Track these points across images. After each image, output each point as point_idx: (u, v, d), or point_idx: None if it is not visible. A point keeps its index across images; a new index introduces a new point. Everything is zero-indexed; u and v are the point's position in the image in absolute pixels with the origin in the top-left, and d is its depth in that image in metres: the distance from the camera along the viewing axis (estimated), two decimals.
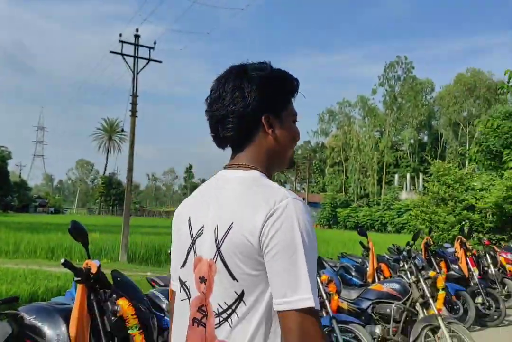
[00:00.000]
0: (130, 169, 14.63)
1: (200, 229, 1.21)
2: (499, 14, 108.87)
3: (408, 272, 5.73)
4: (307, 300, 1.04)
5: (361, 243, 6.61)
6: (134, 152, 14.58)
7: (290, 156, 1.31)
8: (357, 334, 4.53)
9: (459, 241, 8.13)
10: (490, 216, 14.02)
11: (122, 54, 14.78)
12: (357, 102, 52.91)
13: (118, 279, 2.87)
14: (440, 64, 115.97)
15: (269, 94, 1.22)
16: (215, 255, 1.15)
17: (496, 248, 9.68)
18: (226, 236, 1.13)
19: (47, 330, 2.63)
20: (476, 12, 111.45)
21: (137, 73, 14.72)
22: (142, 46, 15.05)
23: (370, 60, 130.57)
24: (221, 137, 1.25)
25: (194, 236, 1.22)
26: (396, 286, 5.18)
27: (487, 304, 7.33)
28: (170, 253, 1.37)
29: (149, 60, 15.00)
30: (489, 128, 16.65)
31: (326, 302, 4.54)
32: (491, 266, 8.69)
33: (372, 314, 5.11)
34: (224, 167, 1.28)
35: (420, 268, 5.27)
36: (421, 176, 50.35)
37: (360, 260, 7.08)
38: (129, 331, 2.65)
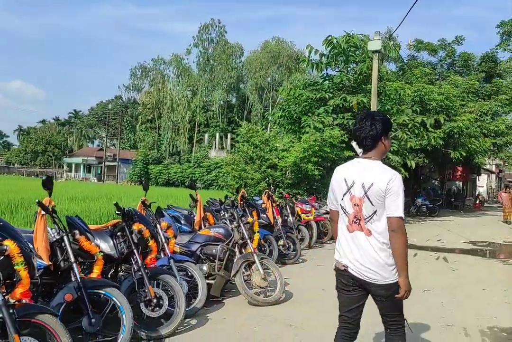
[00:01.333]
0: None
1: (352, 183, 2.90)
2: None
3: (228, 220, 6.78)
4: (401, 213, 2.75)
5: (190, 195, 7.46)
6: None
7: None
8: (189, 270, 5.38)
9: (266, 194, 9.51)
10: (290, 173, 16.03)
11: None
12: (172, 60, 52.83)
13: (1, 223, 3.19)
14: (250, 29, 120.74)
15: (384, 127, 2.92)
16: (363, 195, 2.83)
17: (294, 200, 11.42)
18: (370, 187, 2.81)
19: None
20: None
21: None
22: None
23: (183, 18, 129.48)
24: (364, 145, 2.94)
25: (349, 186, 2.91)
26: (221, 230, 6.14)
27: (287, 245, 8.88)
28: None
29: None
30: (291, 96, 18.66)
31: (165, 245, 5.28)
32: (290, 215, 10.33)
33: (200, 254, 6.01)
34: (359, 157, 3.01)
35: (240, 215, 6.29)
36: (229, 135, 53.18)
37: (185, 211, 7.92)
38: (15, 267, 3.05)
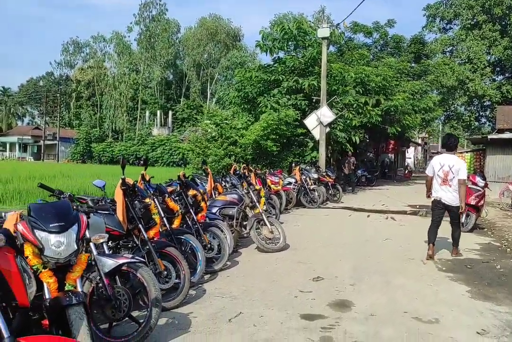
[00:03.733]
0: None
1: (443, 164, 7.10)
2: None
3: (232, 188, 8.37)
4: (465, 177, 7.07)
5: (203, 169, 8.95)
6: None
7: None
8: (219, 226, 6.98)
9: (246, 169, 11.14)
10: (250, 149, 17.68)
11: None
12: (112, 38, 52.25)
13: (136, 188, 4.65)
14: (186, 5, 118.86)
15: (457, 139, 7.40)
16: (449, 170, 7.05)
17: (265, 173, 13.12)
18: (453, 166, 7.03)
19: (106, 219, 4.35)
20: None
21: None
22: None
23: None
24: (450, 148, 7.25)
25: (441, 165, 7.13)
26: (235, 196, 7.76)
27: (269, 210, 10.61)
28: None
29: None
30: (246, 78, 20.18)
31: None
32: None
33: (219, 215, 7.60)
34: (446, 153, 7.34)
35: (249, 184, 7.90)
36: (170, 113, 53.77)
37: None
38: (153, 216, 4.56)
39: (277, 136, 17.62)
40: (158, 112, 53.03)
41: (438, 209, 7.27)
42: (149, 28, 51.26)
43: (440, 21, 38.50)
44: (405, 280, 5.86)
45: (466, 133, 40.86)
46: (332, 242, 8.52)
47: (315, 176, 15.68)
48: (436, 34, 38.34)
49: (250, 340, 3.79)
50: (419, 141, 52.46)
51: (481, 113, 39.70)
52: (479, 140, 21.98)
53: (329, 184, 16.02)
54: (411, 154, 47.93)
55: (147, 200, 4.57)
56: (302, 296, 5.05)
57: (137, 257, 3.61)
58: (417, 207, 14.34)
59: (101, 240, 3.27)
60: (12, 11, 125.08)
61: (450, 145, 7.15)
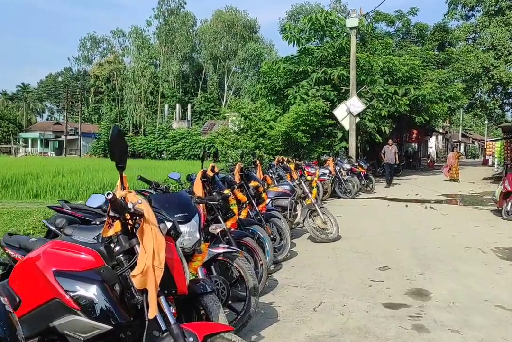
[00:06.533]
0: None
1: None
2: None
3: (278, 179, 8.38)
4: None
5: (253, 162, 8.94)
6: None
7: None
8: (279, 216, 6.99)
9: (285, 160, 11.16)
10: (280, 141, 17.64)
11: None
12: (132, 33, 52.35)
13: (215, 180, 4.68)
14: None
15: None
16: None
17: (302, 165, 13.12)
18: None
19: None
20: None
21: None
22: None
23: None
24: None
25: None
26: (287, 187, 7.77)
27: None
28: None
29: None
30: (273, 70, 20.12)
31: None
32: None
33: (272, 206, 7.62)
34: None
35: (299, 175, 7.90)
36: (189, 106, 53.88)
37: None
38: (231, 207, 4.59)
39: (307, 128, 17.54)
40: (177, 105, 53.11)
41: None
42: (168, 22, 51.25)
43: (462, 8, 37.85)
44: (471, 268, 5.83)
45: (489, 121, 40.30)
46: (381, 232, 8.50)
47: (348, 166, 15.61)
48: (459, 21, 37.72)
49: (344, 329, 3.80)
50: (440, 130, 51.89)
51: (505, 100, 39.07)
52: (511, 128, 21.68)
53: (362, 174, 15.96)
54: (432, 144, 47.47)
55: (226, 191, 4.59)
56: (375, 285, 5.05)
57: (233, 247, 3.64)
58: (454, 196, 14.26)
59: (218, 230, 3.30)
60: (30, 6, 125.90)
61: None
